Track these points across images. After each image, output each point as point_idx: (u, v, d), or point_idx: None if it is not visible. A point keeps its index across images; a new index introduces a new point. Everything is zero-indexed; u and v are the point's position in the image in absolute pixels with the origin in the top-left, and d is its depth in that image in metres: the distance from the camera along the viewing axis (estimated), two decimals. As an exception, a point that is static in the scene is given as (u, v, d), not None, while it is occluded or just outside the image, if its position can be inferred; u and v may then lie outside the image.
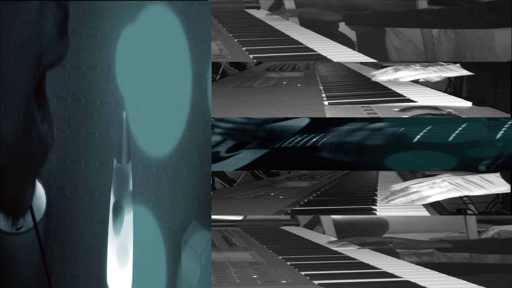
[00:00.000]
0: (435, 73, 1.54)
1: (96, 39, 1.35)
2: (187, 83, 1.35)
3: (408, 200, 1.45)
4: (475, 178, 1.41)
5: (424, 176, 1.53)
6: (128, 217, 1.18)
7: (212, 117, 1.34)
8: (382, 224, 1.58)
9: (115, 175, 1.16)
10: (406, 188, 1.49)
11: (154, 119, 1.37)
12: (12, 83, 0.49)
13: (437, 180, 1.45)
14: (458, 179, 1.42)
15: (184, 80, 1.36)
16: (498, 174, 1.38)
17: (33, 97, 0.52)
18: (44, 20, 0.50)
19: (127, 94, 1.38)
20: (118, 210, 1.17)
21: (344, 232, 1.59)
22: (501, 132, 1.09)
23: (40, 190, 1.29)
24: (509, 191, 1.40)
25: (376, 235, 1.57)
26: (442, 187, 1.42)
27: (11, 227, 1.16)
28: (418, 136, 1.18)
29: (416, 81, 1.56)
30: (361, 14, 1.63)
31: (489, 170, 1.30)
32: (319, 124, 1.39)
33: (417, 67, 1.57)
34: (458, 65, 1.56)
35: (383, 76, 1.57)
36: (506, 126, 1.09)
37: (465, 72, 1.54)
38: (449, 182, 1.42)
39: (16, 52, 0.48)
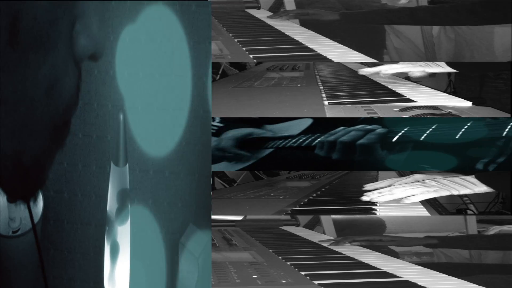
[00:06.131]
0: (420, 68, 1.55)
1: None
2: (186, 85, 1.35)
3: (394, 198, 1.45)
4: (457, 179, 1.42)
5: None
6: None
7: (213, 124, 1.34)
8: (382, 224, 1.58)
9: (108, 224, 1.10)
10: (393, 186, 1.50)
11: (152, 121, 1.37)
12: (39, 114, 0.49)
13: (427, 180, 1.46)
14: (444, 180, 1.44)
15: (183, 82, 1.35)
16: (473, 176, 1.40)
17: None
18: (67, 75, 0.50)
19: (125, 96, 1.37)
20: (115, 252, 1.12)
21: (344, 232, 1.59)
22: (504, 132, 1.10)
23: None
24: (487, 191, 1.41)
25: (376, 235, 1.57)
26: (428, 187, 1.43)
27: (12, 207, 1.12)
28: (424, 136, 1.18)
29: (398, 75, 1.56)
30: (358, 12, 1.63)
31: (487, 169, 1.30)
32: (321, 125, 1.39)
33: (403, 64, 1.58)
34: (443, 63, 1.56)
35: (368, 70, 1.58)
36: (509, 126, 1.09)
37: (449, 69, 1.54)
38: (436, 182, 1.43)
39: (43, 91, 0.49)
